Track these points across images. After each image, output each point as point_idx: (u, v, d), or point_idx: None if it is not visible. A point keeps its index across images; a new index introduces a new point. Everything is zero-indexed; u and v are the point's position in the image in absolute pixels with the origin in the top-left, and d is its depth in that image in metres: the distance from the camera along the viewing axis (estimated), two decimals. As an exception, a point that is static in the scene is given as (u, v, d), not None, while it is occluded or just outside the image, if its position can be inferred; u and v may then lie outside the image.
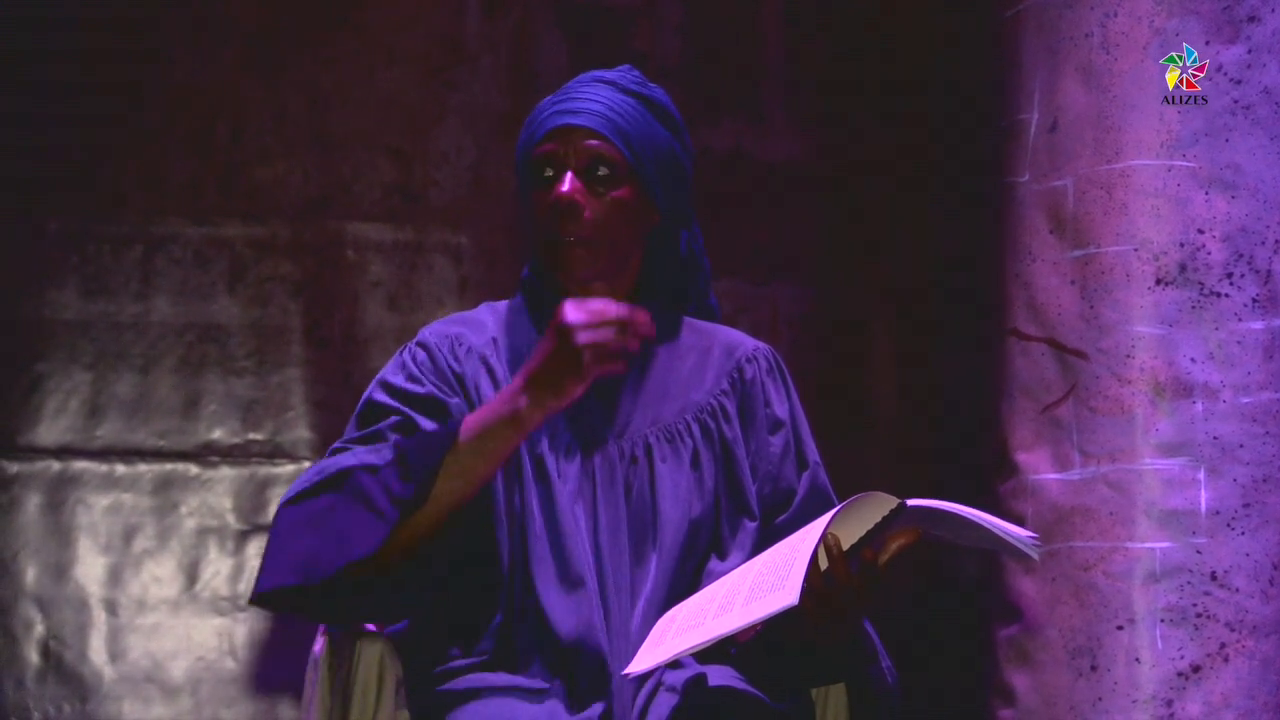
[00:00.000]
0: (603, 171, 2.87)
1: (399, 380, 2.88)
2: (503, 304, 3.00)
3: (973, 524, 2.56)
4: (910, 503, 2.54)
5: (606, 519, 2.83)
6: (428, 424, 2.84)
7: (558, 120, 2.87)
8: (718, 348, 2.98)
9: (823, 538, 2.52)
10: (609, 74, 2.94)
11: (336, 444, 2.86)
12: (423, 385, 2.87)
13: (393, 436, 2.82)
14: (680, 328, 2.99)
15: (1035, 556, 2.60)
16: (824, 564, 2.58)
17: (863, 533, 2.56)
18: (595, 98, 2.89)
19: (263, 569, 2.77)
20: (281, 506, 2.79)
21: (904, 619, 4.32)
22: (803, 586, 2.44)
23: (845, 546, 2.57)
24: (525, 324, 2.95)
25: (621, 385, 2.90)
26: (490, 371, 2.90)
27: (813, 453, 2.97)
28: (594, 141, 2.87)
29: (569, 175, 2.85)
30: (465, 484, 2.74)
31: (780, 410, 2.96)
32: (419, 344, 2.93)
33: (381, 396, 2.88)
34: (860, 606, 2.64)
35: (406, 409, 2.85)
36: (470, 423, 2.73)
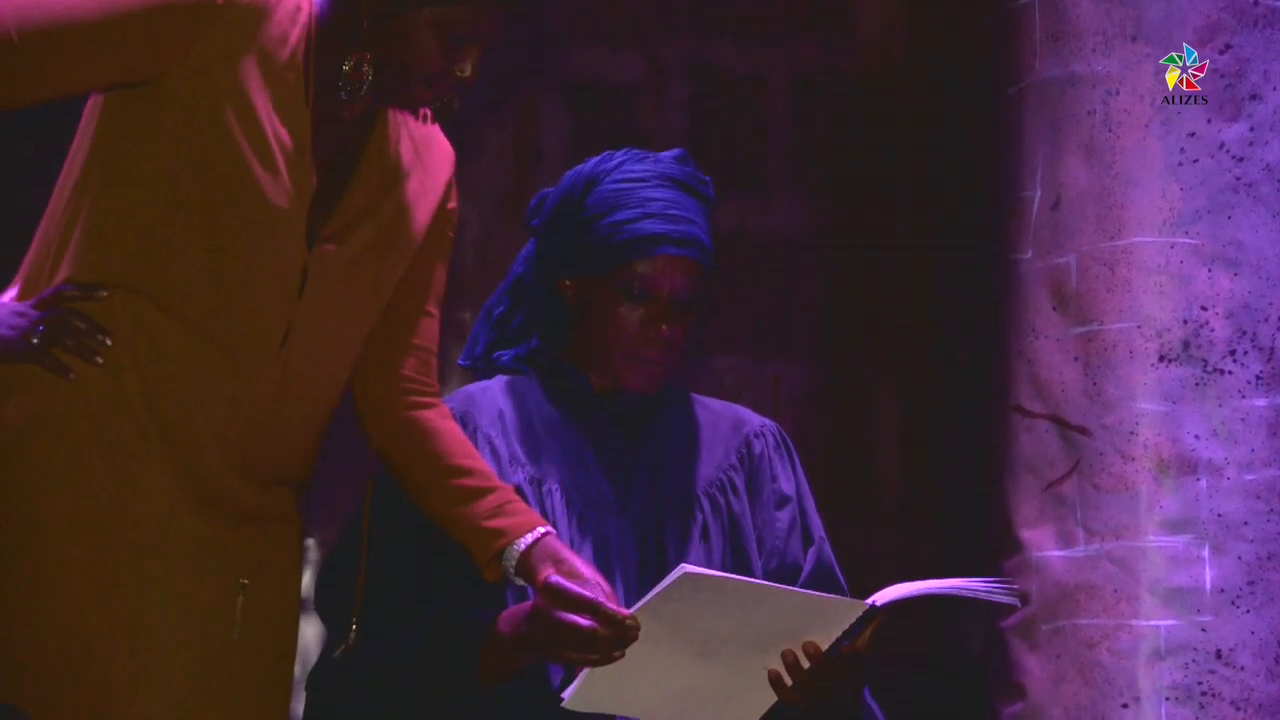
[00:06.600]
0: (690, 298, 2.89)
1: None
2: (521, 378, 3.00)
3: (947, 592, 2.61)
4: (880, 602, 2.56)
5: (619, 590, 2.83)
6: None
7: (670, 249, 2.85)
8: (724, 423, 2.99)
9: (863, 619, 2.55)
10: (680, 172, 2.92)
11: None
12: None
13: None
14: (687, 402, 3.00)
15: (1017, 602, 2.62)
16: (806, 665, 2.60)
17: (837, 635, 2.59)
18: (697, 219, 2.89)
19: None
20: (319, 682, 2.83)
21: (908, 694, 4.30)
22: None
23: (824, 647, 2.60)
24: (537, 397, 2.95)
25: (634, 457, 2.91)
26: (495, 451, 2.90)
27: (818, 528, 2.98)
28: (696, 276, 2.88)
29: (671, 317, 2.86)
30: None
31: (787, 486, 2.97)
32: None
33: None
34: (851, 682, 2.66)
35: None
36: (503, 625, 2.72)
